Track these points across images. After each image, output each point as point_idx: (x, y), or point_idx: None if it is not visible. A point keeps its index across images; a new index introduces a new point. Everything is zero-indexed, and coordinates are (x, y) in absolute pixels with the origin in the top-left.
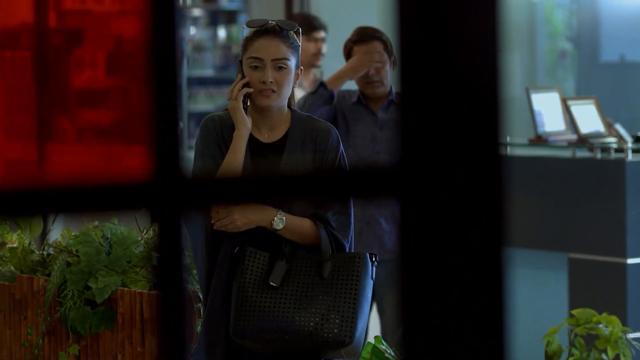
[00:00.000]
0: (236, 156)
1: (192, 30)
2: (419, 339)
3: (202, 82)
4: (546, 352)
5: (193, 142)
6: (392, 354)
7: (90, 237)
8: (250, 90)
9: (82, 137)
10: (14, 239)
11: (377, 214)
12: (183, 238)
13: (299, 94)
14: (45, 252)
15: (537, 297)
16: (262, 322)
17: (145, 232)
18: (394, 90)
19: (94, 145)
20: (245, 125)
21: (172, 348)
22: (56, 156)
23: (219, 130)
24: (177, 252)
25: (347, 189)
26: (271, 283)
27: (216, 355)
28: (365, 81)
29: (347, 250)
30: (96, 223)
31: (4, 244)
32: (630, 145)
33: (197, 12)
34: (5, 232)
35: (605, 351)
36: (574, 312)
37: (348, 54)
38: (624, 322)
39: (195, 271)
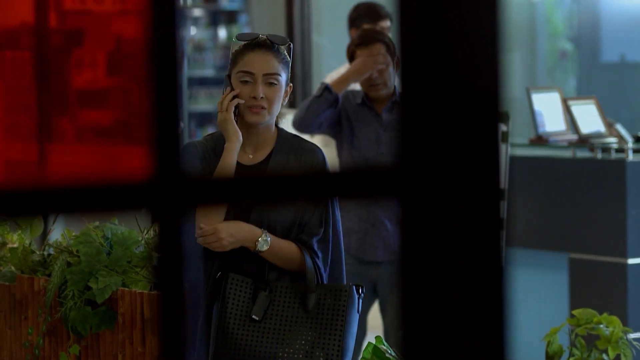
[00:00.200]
0: (227, 168)
1: (193, 31)
2: (419, 339)
3: (203, 82)
4: (547, 352)
5: None
6: (393, 354)
7: (90, 237)
8: (242, 101)
9: (82, 137)
10: (14, 239)
11: (382, 215)
12: (184, 238)
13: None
14: (45, 252)
15: (537, 297)
16: (243, 356)
17: (145, 232)
18: (398, 91)
19: (94, 145)
20: (236, 137)
21: (173, 348)
22: (56, 156)
23: (201, 154)
24: (177, 252)
25: (347, 189)
26: (253, 317)
27: None
28: (369, 83)
29: (326, 279)
30: (97, 223)
31: (4, 244)
32: (630, 145)
33: (197, 12)
34: (6, 232)
35: (606, 351)
36: (575, 312)
37: (351, 56)
38: (624, 322)
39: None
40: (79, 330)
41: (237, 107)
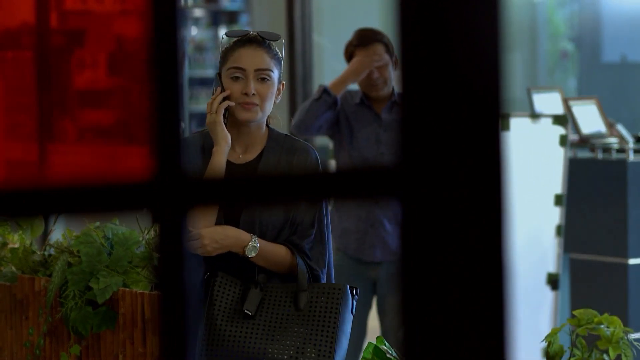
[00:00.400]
0: (215, 172)
1: (194, 31)
2: (419, 339)
3: (204, 82)
4: (547, 353)
5: None
6: (394, 354)
7: (91, 237)
8: (232, 104)
9: (83, 138)
10: (15, 240)
11: (381, 216)
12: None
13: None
14: (46, 253)
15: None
16: (232, 353)
17: (146, 232)
18: (396, 91)
19: (95, 145)
20: (225, 140)
21: (174, 348)
22: (57, 156)
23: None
24: (177, 253)
25: (347, 189)
26: (246, 311)
27: None
28: (369, 83)
29: (324, 280)
30: (97, 223)
31: (5, 244)
32: (631, 145)
33: (198, 12)
34: (7, 232)
35: (606, 352)
36: (576, 312)
37: (350, 57)
38: (625, 323)
39: None
40: (79, 330)
41: (227, 109)
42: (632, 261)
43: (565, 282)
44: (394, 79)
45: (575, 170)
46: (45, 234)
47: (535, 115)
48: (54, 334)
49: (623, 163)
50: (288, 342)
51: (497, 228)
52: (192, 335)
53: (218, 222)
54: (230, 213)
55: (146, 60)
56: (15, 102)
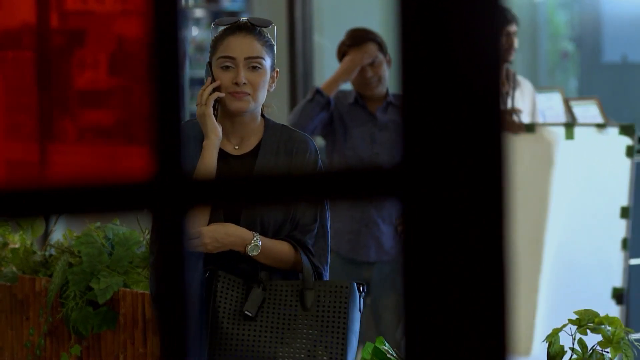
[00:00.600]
0: (207, 167)
1: (195, 31)
2: (419, 339)
3: (204, 82)
4: (548, 353)
5: None
6: (395, 355)
7: (92, 237)
8: (222, 95)
9: (83, 138)
10: (15, 240)
11: (375, 216)
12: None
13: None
14: (47, 253)
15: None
16: (240, 356)
17: (147, 232)
18: (390, 91)
19: (96, 145)
20: (215, 133)
21: (174, 348)
22: (58, 156)
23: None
24: (177, 252)
25: (347, 189)
26: (246, 312)
27: None
28: (363, 82)
29: (326, 277)
30: (98, 224)
31: (6, 244)
32: None
33: (199, 12)
34: (7, 232)
35: (607, 352)
36: (576, 312)
37: (342, 57)
38: (626, 323)
39: None
40: (80, 330)
41: (217, 101)
42: (633, 261)
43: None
44: (388, 78)
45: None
46: (46, 234)
47: (601, 125)
48: (55, 334)
49: None
50: (298, 345)
51: (497, 228)
52: (193, 336)
53: (218, 220)
54: (230, 210)
55: (147, 61)
56: (16, 102)
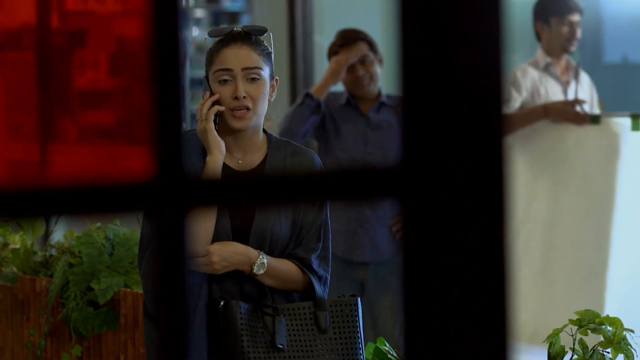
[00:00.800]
0: None
1: (195, 31)
2: (419, 339)
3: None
4: (549, 353)
5: None
6: (395, 355)
7: (92, 238)
8: (222, 108)
9: (84, 138)
10: (16, 240)
11: (371, 216)
12: (185, 239)
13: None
14: (47, 253)
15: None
16: None
17: None
18: (383, 92)
19: (96, 145)
20: (219, 148)
21: (174, 349)
22: (58, 157)
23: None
24: (177, 253)
25: (348, 189)
26: (279, 345)
27: None
28: (355, 81)
29: (325, 295)
30: (99, 224)
31: (6, 245)
32: None
33: (199, 13)
34: (8, 233)
35: (608, 352)
36: (577, 312)
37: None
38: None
39: None
40: (80, 331)
41: (217, 115)
42: None
43: None
44: (379, 77)
45: None
46: (47, 235)
47: None
48: (55, 335)
49: None
50: None
51: (497, 228)
52: (192, 336)
53: (226, 238)
54: (239, 225)
55: (147, 61)
56: (16, 103)
